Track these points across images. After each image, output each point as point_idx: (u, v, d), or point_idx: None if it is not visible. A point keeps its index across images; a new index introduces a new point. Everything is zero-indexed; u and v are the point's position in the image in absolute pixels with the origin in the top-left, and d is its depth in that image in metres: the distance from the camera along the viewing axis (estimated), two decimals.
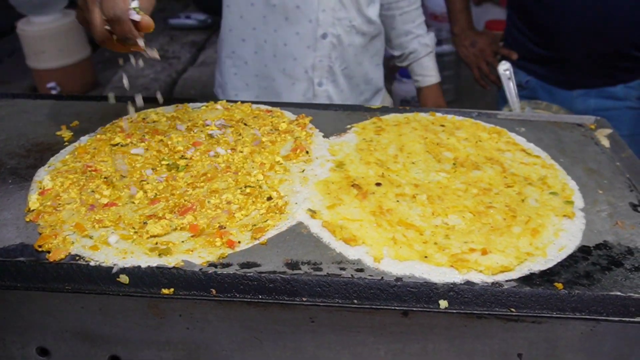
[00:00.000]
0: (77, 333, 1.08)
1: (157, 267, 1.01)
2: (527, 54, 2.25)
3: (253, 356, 1.07)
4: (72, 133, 1.43)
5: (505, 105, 1.99)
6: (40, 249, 1.04)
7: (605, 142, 1.45)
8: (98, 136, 1.40)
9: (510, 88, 1.95)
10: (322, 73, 1.90)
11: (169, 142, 1.35)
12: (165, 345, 1.07)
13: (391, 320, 1.01)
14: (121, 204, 1.15)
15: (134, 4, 1.14)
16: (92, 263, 1.01)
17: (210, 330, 1.05)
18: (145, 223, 1.10)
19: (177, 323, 1.04)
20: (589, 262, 1.05)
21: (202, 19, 5.79)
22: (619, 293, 0.98)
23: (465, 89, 4.79)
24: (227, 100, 1.58)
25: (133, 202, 1.16)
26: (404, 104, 4.26)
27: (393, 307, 0.98)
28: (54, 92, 4.01)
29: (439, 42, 4.47)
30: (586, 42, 2.04)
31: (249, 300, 0.99)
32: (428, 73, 2.21)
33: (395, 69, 4.36)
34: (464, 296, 0.98)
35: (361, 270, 1.02)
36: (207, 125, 1.43)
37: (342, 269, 1.02)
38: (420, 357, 1.05)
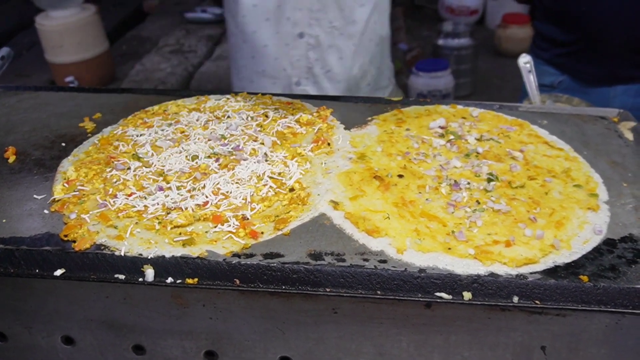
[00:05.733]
0: (101, 322, 1.09)
1: (181, 257, 1.02)
2: (561, 49, 2.20)
3: (275, 346, 1.08)
4: (94, 125, 1.44)
5: (526, 99, 1.97)
6: (65, 239, 1.05)
7: (629, 135, 1.43)
8: (120, 128, 1.41)
9: (531, 81, 1.93)
10: (300, 72, 1.87)
11: (191, 134, 1.35)
12: (188, 334, 1.08)
13: (414, 311, 1.01)
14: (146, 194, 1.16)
15: None
16: (117, 253, 1.02)
17: (233, 320, 1.05)
18: (168, 214, 1.10)
19: (200, 313, 1.05)
20: (614, 255, 1.04)
21: (218, 12, 5.79)
22: None
23: (482, 83, 4.76)
24: (248, 92, 1.59)
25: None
26: (420, 97, 4.23)
27: (417, 299, 0.98)
28: (72, 85, 4.04)
29: (456, 36, 4.44)
30: (622, 28, 1.98)
31: (272, 290, 1.00)
32: None
33: (411, 63, 4.33)
34: (488, 288, 0.98)
35: (384, 261, 1.02)
36: (229, 116, 1.44)
37: (365, 260, 1.02)
38: (443, 349, 1.05)
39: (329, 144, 1.33)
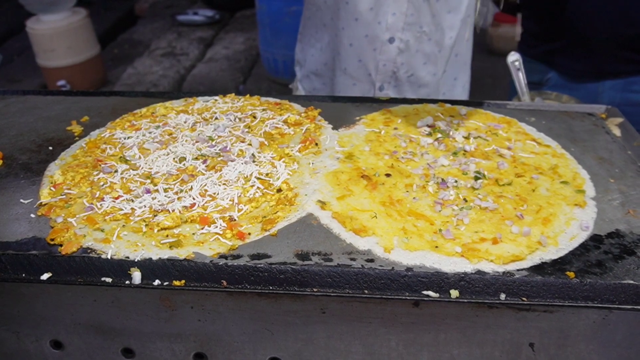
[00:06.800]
0: (90, 326, 1.08)
1: (168, 259, 1.01)
2: (548, 45, 2.20)
3: (264, 347, 1.08)
4: (82, 128, 1.44)
5: (515, 96, 1.97)
6: (52, 243, 1.05)
7: (616, 131, 1.44)
8: (108, 130, 1.40)
9: (520, 79, 1.94)
10: (385, 77, 1.86)
11: (179, 136, 1.35)
12: (177, 337, 1.08)
13: (402, 310, 1.01)
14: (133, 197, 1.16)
15: None
16: (103, 256, 1.02)
17: (222, 322, 1.05)
18: (155, 216, 1.10)
19: (188, 315, 1.05)
20: (600, 251, 1.04)
21: (209, 15, 5.80)
22: (631, 281, 0.97)
23: (474, 82, 4.77)
24: (236, 94, 1.59)
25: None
26: None
27: (404, 297, 0.98)
28: (64, 89, 4.03)
29: None
30: (608, 23, 1.99)
31: (259, 291, 1.00)
32: None
33: None
34: (475, 286, 0.98)
35: (371, 260, 1.02)
36: (217, 118, 1.44)
37: (353, 259, 1.02)
38: (432, 347, 1.05)
39: (316, 144, 1.33)
